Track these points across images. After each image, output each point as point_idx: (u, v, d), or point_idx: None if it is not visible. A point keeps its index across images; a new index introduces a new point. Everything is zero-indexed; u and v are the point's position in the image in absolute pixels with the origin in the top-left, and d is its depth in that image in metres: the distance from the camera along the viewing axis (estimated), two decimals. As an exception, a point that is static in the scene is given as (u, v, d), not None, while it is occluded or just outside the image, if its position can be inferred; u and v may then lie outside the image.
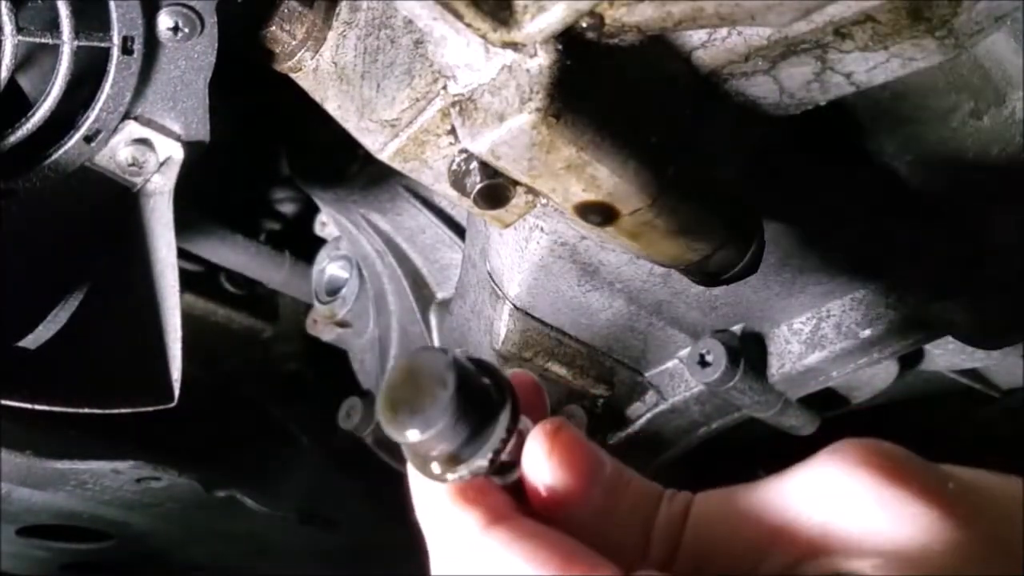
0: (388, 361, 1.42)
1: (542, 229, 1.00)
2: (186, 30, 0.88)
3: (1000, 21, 0.78)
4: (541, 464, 0.62)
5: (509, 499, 0.63)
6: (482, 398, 0.59)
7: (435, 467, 0.59)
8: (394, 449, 1.37)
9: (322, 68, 0.91)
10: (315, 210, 1.57)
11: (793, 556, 0.59)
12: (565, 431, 0.63)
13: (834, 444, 0.62)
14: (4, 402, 0.91)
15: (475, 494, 0.61)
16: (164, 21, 0.88)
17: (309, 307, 1.56)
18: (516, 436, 0.61)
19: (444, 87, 0.81)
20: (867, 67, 0.82)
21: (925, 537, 0.56)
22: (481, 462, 0.59)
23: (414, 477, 0.63)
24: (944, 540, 0.56)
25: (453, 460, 0.59)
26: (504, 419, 0.60)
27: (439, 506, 0.61)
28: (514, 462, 0.63)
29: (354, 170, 1.31)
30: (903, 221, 1.03)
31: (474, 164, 0.81)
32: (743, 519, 0.61)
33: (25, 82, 0.94)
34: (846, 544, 0.58)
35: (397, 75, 0.84)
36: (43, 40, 0.88)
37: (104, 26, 0.88)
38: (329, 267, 1.51)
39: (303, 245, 1.59)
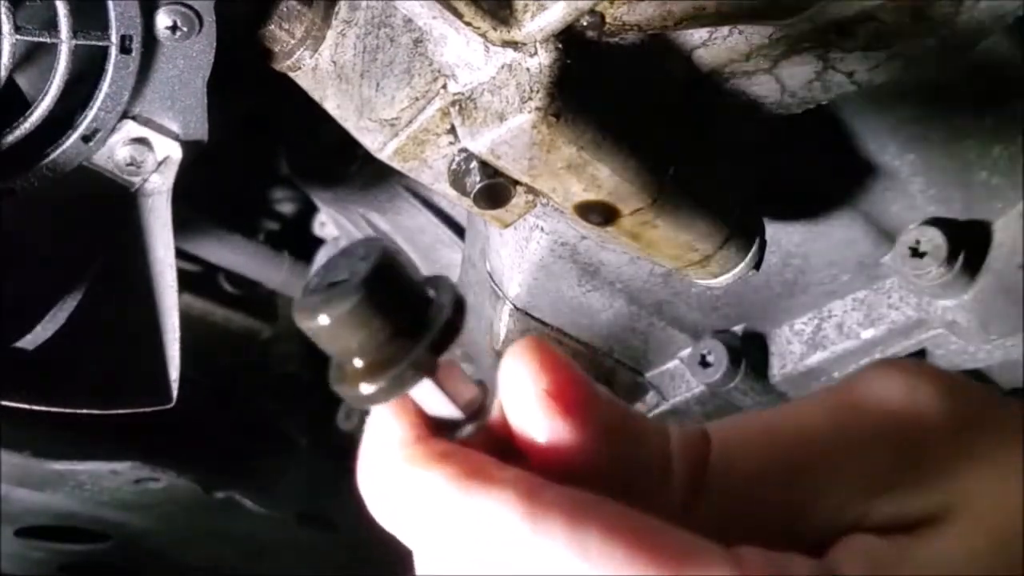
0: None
1: (542, 229, 1.00)
2: (184, 29, 0.88)
3: (1002, 20, 0.78)
4: (528, 386, 0.49)
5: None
6: (415, 291, 0.50)
7: (360, 377, 0.48)
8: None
9: (321, 67, 0.91)
10: (314, 210, 1.57)
11: (862, 485, 0.50)
12: (547, 348, 0.50)
13: (870, 366, 0.55)
14: (2, 403, 0.91)
15: (489, 467, 0.48)
16: (162, 20, 0.88)
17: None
18: (467, 377, 0.51)
19: (444, 86, 0.81)
20: (869, 66, 0.81)
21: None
22: (416, 356, 0.48)
23: (380, 477, 0.50)
24: None
25: (380, 360, 0.48)
26: (446, 312, 0.49)
27: (447, 502, 0.48)
28: (473, 408, 0.52)
29: (353, 170, 1.31)
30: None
31: (474, 163, 0.81)
32: (791, 443, 0.52)
33: (23, 81, 0.94)
34: (932, 472, 0.50)
35: (396, 74, 0.84)
36: (41, 39, 0.88)
37: (102, 25, 0.87)
38: (328, 267, 1.51)
39: (302, 245, 1.58)
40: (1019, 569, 0.49)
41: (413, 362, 0.48)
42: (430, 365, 0.49)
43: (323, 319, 0.47)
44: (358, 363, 0.49)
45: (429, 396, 0.51)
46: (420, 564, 0.51)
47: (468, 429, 0.51)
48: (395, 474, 0.49)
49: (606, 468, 0.49)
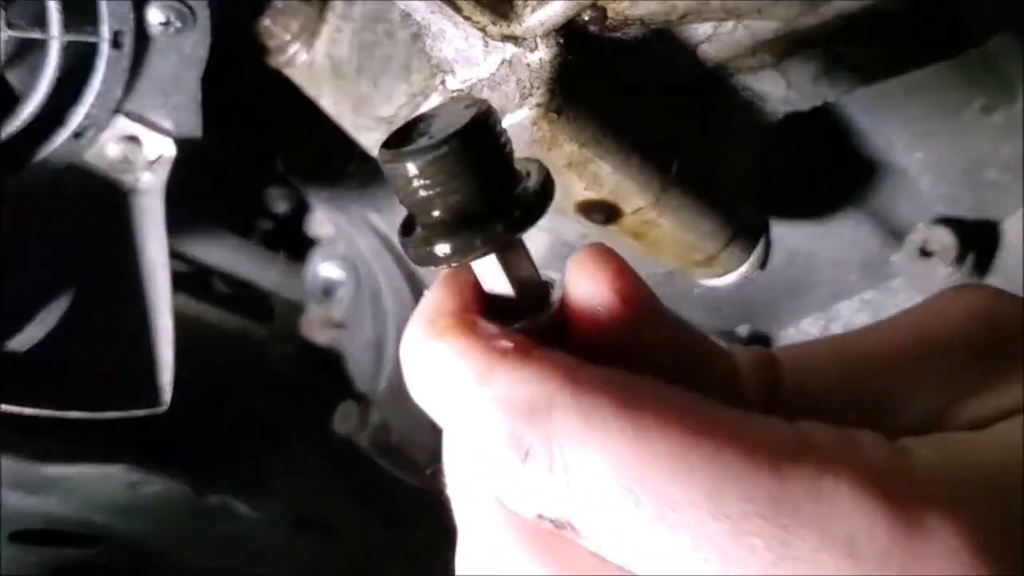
0: (384, 363, 1.41)
1: (542, 228, 0.99)
2: (178, 24, 0.87)
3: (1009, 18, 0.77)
4: (602, 286, 0.46)
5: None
6: (505, 157, 0.47)
7: (432, 233, 0.46)
8: (391, 454, 1.36)
9: (317, 63, 0.90)
10: (309, 210, 1.56)
11: (950, 391, 0.49)
12: (618, 256, 0.48)
13: (948, 288, 0.54)
14: (-7, 407, 0.90)
15: (526, 348, 0.44)
16: (155, 15, 0.87)
17: (303, 308, 1.55)
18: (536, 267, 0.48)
19: (442, 82, 0.80)
20: (876, 62, 0.81)
21: None
22: (490, 228, 0.45)
23: (416, 345, 0.46)
24: None
25: (456, 221, 0.45)
26: (533, 190, 0.46)
27: (475, 376, 0.44)
28: (534, 298, 0.49)
29: (350, 168, 1.30)
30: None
31: (474, 161, 0.80)
32: (868, 357, 0.50)
33: (13, 78, 0.93)
34: (1014, 373, 0.48)
35: (394, 70, 0.83)
36: (32, 35, 0.87)
37: (93, 20, 0.87)
38: (323, 267, 1.50)
39: (297, 245, 1.58)
40: None
41: (485, 233, 0.45)
42: (503, 240, 0.46)
43: (411, 166, 0.45)
44: (435, 215, 0.46)
45: (492, 273, 0.48)
46: (447, 446, 0.48)
47: (524, 322, 0.47)
48: (429, 344, 0.46)
49: (673, 378, 0.46)
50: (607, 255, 0.48)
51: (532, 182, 0.47)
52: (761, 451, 0.42)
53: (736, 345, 0.51)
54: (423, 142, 0.45)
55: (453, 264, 0.46)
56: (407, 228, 0.48)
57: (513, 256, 0.48)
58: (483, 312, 0.47)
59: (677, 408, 0.43)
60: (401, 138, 0.46)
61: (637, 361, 0.46)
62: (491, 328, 0.46)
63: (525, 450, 0.43)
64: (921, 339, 0.51)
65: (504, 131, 0.47)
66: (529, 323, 0.47)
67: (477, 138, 0.45)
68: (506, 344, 0.44)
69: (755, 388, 0.50)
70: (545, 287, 0.49)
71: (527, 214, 0.46)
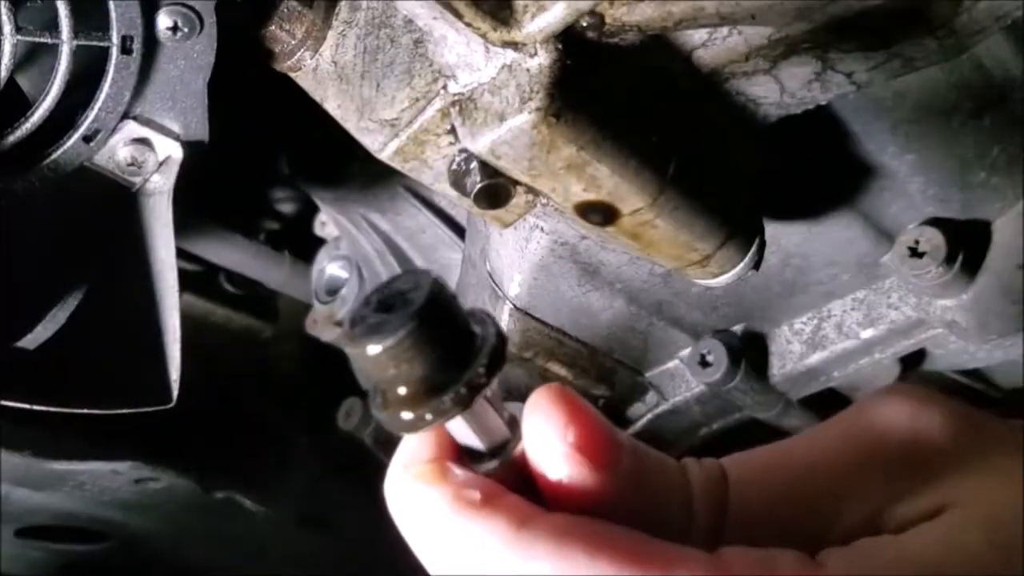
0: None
1: (542, 229, 1.00)
2: (185, 30, 0.88)
3: (1001, 21, 0.78)
4: (554, 440, 0.51)
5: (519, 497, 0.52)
6: (461, 325, 0.51)
7: (401, 404, 0.50)
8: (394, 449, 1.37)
9: (322, 68, 0.91)
10: (315, 210, 1.57)
11: (878, 500, 0.53)
12: (571, 397, 0.53)
13: (876, 392, 0.58)
14: (2, 402, 0.91)
15: (490, 494, 0.51)
16: (163, 20, 0.88)
17: (309, 307, 1.56)
18: (502, 408, 0.53)
19: (444, 86, 0.81)
20: (868, 66, 0.81)
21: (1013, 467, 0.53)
22: (456, 392, 0.50)
23: (397, 489, 0.53)
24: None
25: (421, 392, 0.50)
26: (487, 350, 0.51)
27: (442, 520, 0.51)
28: (498, 443, 0.54)
29: (354, 170, 1.31)
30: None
31: (474, 164, 0.81)
32: (804, 472, 0.55)
33: (24, 82, 0.94)
34: (937, 477, 0.53)
35: (397, 74, 0.84)
36: (42, 40, 0.88)
37: (103, 26, 0.87)
38: (329, 267, 1.51)
39: (303, 245, 1.58)
40: (1013, 560, 0.50)
41: (453, 397, 0.50)
42: (468, 401, 0.51)
43: (373, 348, 0.49)
44: (401, 391, 0.50)
45: (460, 429, 0.53)
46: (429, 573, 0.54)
47: (491, 464, 0.54)
48: (406, 487, 0.53)
49: (629, 513, 0.52)
50: (559, 402, 0.53)
51: (486, 336, 0.52)
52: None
53: (691, 461, 0.56)
54: (386, 325, 0.49)
55: (428, 429, 0.51)
56: (379, 400, 0.52)
57: (479, 407, 0.52)
58: (454, 455, 0.54)
59: (607, 544, 0.49)
60: (361, 321, 0.51)
61: (593, 498, 0.52)
62: (460, 475, 0.52)
63: None
64: (850, 451, 0.55)
65: (455, 296, 0.52)
66: (495, 467, 0.54)
67: (436, 314, 0.50)
68: (472, 494, 0.51)
69: (707, 506, 0.55)
70: (508, 431, 0.54)
71: (488, 371, 0.51)
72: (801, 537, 0.52)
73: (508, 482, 0.53)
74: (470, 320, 0.53)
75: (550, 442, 0.52)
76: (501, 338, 0.52)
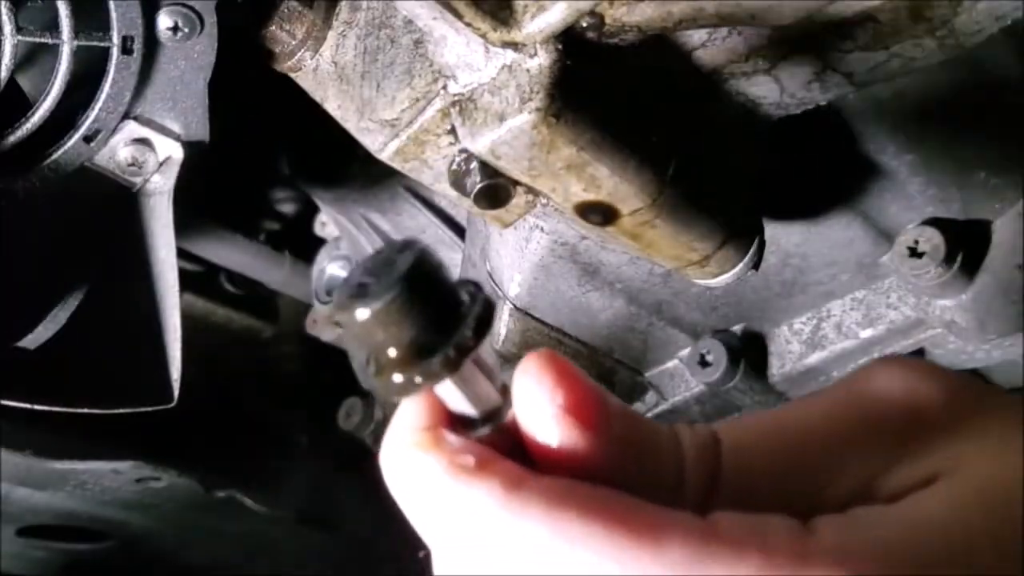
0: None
1: (542, 229, 1.00)
2: (186, 30, 0.88)
3: (1000, 21, 0.78)
4: (543, 402, 0.52)
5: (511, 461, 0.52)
6: (448, 290, 0.52)
7: (391, 367, 0.51)
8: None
9: (322, 68, 0.91)
10: (315, 210, 1.57)
11: (872, 467, 0.53)
12: (561, 362, 0.53)
13: (873, 362, 0.58)
14: (4, 402, 0.91)
15: (484, 459, 0.51)
16: (164, 21, 0.88)
17: (309, 307, 1.56)
18: (496, 376, 0.54)
19: (444, 87, 0.81)
20: (867, 67, 0.81)
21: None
22: (445, 355, 0.50)
23: (393, 457, 0.53)
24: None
25: (410, 354, 0.50)
26: (474, 314, 0.51)
27: (437, 485, 0.51)
28: (491, 410, 0.54)
29: (354, 170, 1.31)
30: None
31: (474, 164, 0.81)
32: (798, 438, 0.54)
33: (25, 82, 0.94)
34: (932, 445, 0.53)
35: (397, 75, 0.84)
36: (43, 40, 0.88)
37: (104, 26, 0.88)
38: (329, 267, 1.51)
39: (303, 245, 1.59)
40: (1010, 532, 0.50)
41: (441, 360, 0.51)
42: (457, 363, 0.51)
43: (362, 312, 0.50)
44: (392, 353, 0.51)
45: (450, 394, 0.53)
46: (424, 539, 0.54)
47: (482, 430, 0.54)
48: (401, 454, 0.53)
49: (619, 477, 0.52)
50: (548, 366, 0.53)
51: (474, 301, 0.53)
52: (666, 536, 0.48)
53: (683, 427, 0.56)
54: (374, 288, 0.50)
55: (418, 392, 0.51)
56: (373, 367, 0.53)
57: (469, 372, 0.53)
58: (447, 422, 0.54)
59: (599, 506, 0.49)
60: (350, 287, 0.51)
61: (589, 461, 0.52)
62: (453, 441, 0.53)
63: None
64: (844, 418, 0.55)
65: (442, 264, 0.52)
66: (486, 432, 0.54)
67: (422, 277, 0.50)
68: (466, 459, 0.51)
69: (698, 471, 0.54)
70: (501, 398, 0.55)
71: (475, 334, 0.52)
72: (794, 504, 0.52)
73: (501, 448, 0.53)
74: (458, 288, 0.53)
75: (539, 404, 0.52)
76: (488, 303, 0.53)
